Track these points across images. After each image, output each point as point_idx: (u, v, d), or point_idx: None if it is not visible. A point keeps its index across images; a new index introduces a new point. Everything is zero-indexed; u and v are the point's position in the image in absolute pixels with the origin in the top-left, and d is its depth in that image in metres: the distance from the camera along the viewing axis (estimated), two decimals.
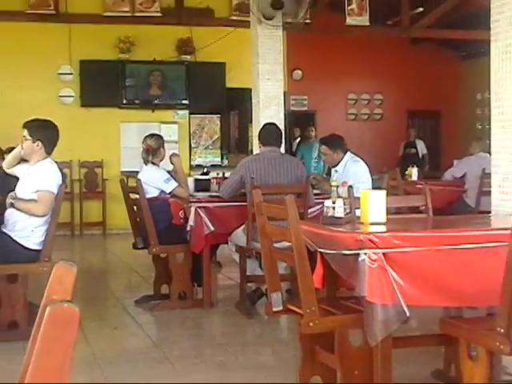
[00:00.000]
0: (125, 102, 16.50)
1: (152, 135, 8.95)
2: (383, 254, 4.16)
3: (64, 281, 1.67)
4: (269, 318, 6.45)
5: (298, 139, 17.94)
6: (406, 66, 19.07)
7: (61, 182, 6.79)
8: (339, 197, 5.07)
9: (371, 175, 8.43)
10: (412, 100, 19.45)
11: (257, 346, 6.77)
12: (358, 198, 4.98)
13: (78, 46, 15.70)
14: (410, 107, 19.81)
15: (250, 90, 11.70)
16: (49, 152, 6.86)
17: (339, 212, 4.94)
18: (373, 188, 7.82)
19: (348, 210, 5.02)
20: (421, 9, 17.62)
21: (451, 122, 19.51)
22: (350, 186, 5.53)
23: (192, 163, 16.78)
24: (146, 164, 8.60)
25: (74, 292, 1.70)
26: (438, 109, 18.67)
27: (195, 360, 6.29)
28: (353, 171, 8.08)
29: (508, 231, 3.92)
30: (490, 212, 5.97)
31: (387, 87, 19.99)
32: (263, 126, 8.62)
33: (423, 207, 5.85)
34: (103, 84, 15.88)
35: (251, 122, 11.86)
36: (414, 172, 12.10)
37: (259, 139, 8.34)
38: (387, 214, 4.92)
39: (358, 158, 8.39)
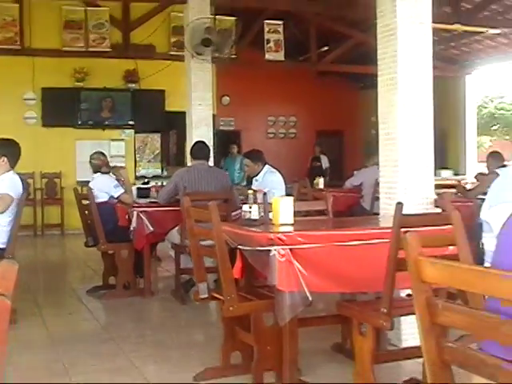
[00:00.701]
0: (80, 122, 16.39)
1: (101, 152, 8.98)
2: (290, 249, 4.24)
3: (6, 276, 1.68)
4: (199, 304, 6.44)
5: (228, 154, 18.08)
6: (315, 94, 19.40)
7: (21, 191, 6.74)
8: (255, 202, 5.13)
9: (285, 184, 8.56)
10: (320, 122, 19.88)
11: (189, 328, 6.78)
12: (271, 203, 5.03)
13: (40, 76, 15.58)
14: (318, 128, 20.22)
15: (185, 112, 11.72)
16: (12, 166, 6.82)
17: (255, 215, 5.03)
18: (287, 195, 7.98)
19: (262, 214, 5.08)
20: (326, 47, 17.97)
21: (351, 140, 20.03)
22: (265, 193, 5.58)
23: (137, 174, 16.69)
24: (96, 173, 8.62)
25: (16, 286, 1.71)
26: (341, 129, 19.05)
27: (137, 340, 6.28)
28: (270, 180, 8.20)
29: (390, 230, 4.04)
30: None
31: (300, 111, 20.41)
32: (194, 144, 8.70)
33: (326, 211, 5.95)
34: (61, 107, 15.81)
35: (186, 140, 11.90)
36: (320, 181, 12.30)
37: (191, 154, 8.48)
38: (295, 216, 5.00)
39: (275, 170, 8.50)
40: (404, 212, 4.18)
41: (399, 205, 4.13)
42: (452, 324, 2.23)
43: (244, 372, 4.85)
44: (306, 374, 4.87)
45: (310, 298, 4.24)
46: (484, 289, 2.07)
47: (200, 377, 4.87)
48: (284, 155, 18.36)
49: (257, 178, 8.40)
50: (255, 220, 5.05)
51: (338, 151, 18.25)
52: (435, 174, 15.13)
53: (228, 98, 19.24)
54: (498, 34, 15.37)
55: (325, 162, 17.03)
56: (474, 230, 3.53)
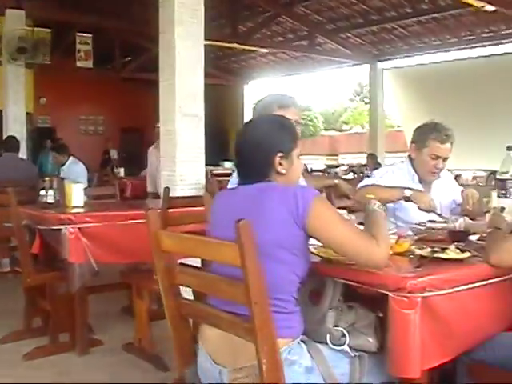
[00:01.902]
0: None
1: None
2: (78, 228, 4.25)
3: None
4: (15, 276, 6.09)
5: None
6: (120, 97, 19.26)
7: None
8: (51, 188, 5.06)
9: (88, 173, 8.44)
10: (123, 120, 19.81)
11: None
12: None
13: None
14: (122, 125, 20.12)
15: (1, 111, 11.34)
16: None
17: (50, 199, 4.97)
18: (88, 182, 7.98)
19: (58, 198, 5.02)
20: (129, 58, 17.95)
21: (150, 136, 19.99)
22: (62, 179, 5.50)
23: None
24: None
25: None
26: (141, 126, 18.86)
27: None
28: (74, 170, 8.04)
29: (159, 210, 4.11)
30: None
31: (107, 111, 20.24)
32: (5, 138, 8.44)
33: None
34: None
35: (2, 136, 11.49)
36: (121, 170, 12.17)
37: (4, 148, 8.10)
38: (89, 199, 5.03)
39: (79, 161, 8.33)
40: (176, 195, 4.26)
41: (166, 189, 4.21)
42: (187, 284, 2.32)
43: (43, 334, 4.71)
44: (98, 333, 4.82)
45: (96, 269, 4.25)
46: (207, 254, 2.16)
47: (5, 339, 4.71)
48: (92, 149, 17.99)
49: (63, 167, 8.23)
50: (51, 203, 4.97)
51: (139, 145, 18.06)
52: (219, 165, 15.39)
53: (45, 99, 18.57)
54: (267, 52, 16.22)
55: (113, 154, 16.96)
56: None
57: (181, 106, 5.80)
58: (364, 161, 15.56)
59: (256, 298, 1.87)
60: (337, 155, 28.98)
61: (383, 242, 2.18)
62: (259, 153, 2.27)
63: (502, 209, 2.89)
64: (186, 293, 2.39)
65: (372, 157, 13.89)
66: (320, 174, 15.94)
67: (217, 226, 2.31)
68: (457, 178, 11.18)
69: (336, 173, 16.36)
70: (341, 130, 37.48)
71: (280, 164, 2.27)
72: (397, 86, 16.40)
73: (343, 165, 20.07)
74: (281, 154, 2.26)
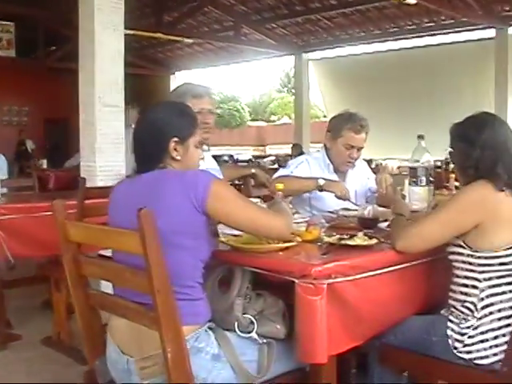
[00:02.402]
0: None
1: None
2: None
3: None
4: None
5: None
6: (45, 87, 18.77)
7: None
8: None
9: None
10: (48, 111, 19.33)
11: None
12: None
13: None
14: (47, 116, 19.65)
15: None
16: None
17: None
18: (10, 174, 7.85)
19: None
20: (54, 47, 17.52)
21: (75, 126, 19.65)
22: None
23: None
24: None
25: None
26: (67, 117, 18.44)
27: None
28: None
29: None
30: None
31: (31, 102, 19.67)
32: None
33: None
34: None
35: None
36: (44, 162, 11.90)
37: None
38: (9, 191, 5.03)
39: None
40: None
41: (82, 179, 4.13)
42: (94, 275, 2.28)
43: None
44: (17, 327, 4.71)
45: (13, 261, 4.14)
46: (110, 244, 2.15)
47: None
48: (16, 140, 17.57)
49: None
50: None
51: (63, 136, 17.74)
52: None
53: None
54: (192, 42, 16.15)
55: (30, 145, 16.65)
56: None
57: (100, 96, 5.69)
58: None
59: (159, 286, 1.86)
60: (264, 146, 29.11)
61: (285, 215, 2.32)
62: (154, 137, 2.27)
63: (403, 196, 2.95)
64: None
65: (296, 147, 13.97)
66: (245, 164, 16.01)
67: (116, 215, 2.28)
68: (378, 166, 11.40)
69: (259, 163, 16.42)
70: (268, 121, 37.67)
71: (175, 149, 2.26)
72: (322, 77, 16.58)
73: (271, 155, 20.19)
74: (176, 139, 2.25)
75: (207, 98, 3.16)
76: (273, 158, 18.36)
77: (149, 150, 2.27)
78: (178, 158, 2.26)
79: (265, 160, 18.17)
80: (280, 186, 2.63)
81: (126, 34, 5.92)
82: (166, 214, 2.07)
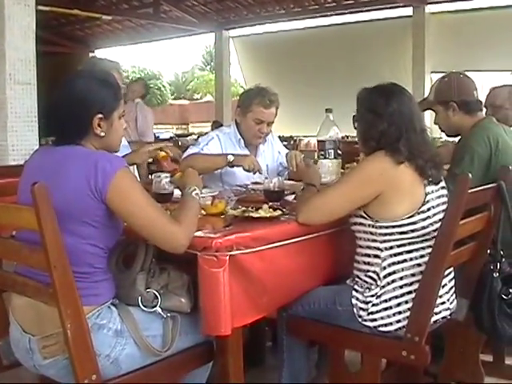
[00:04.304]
0: None
1: None
2: None
3: None
4: None
5: None
6: None
7: None
8: None
9: None
10: None
11: None
12: None
13: None
14: None
15: None
16: None
17: None
18: None
19: None
20: None
21: None
22: None
23: None
24: None
25: None
26: None
27: None
28: None
29: None
30: None
31: None
32: None
33: None
34: None
35: None
36: None
37: None
38: None
39: None
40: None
41: None
42: None
43: None
44: None
45: None
46: (8, 220, 2.10)
47: None
48: None
49: None
50: None
51: None
52: None
53: None
54: (111, 20, 15.87)
55: None
56: None
57: (11, 73, 5.55)
58: None
59: (55, 262, 1.84)
60: (187, 124, 28.84)
61: (187, 228, 2.14)
62: (75, 113, 2.13)
63: (315, 161, 2.98)
64: None
65: (216, 124, 13.90)
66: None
67: (24, 189, 2.11)
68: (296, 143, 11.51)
69: (180, 142, 16.35)
70: (191, 99, 37.33)
71: (99, 126, 2.15)
72: (243, 55, 16.56)
73: (193, 134, 20.06)
74: (100, 116, 2.14)
75: (116, 73, 3.11)
76: (195, 136, 18.24)
77: (68, 125, 2.14)
78: (102, 134, 2.16)
79: (187, 138, 18.04)
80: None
81: (40, 10, 5.78)
82: (64, 196, 2.00)
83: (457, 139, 3.25)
